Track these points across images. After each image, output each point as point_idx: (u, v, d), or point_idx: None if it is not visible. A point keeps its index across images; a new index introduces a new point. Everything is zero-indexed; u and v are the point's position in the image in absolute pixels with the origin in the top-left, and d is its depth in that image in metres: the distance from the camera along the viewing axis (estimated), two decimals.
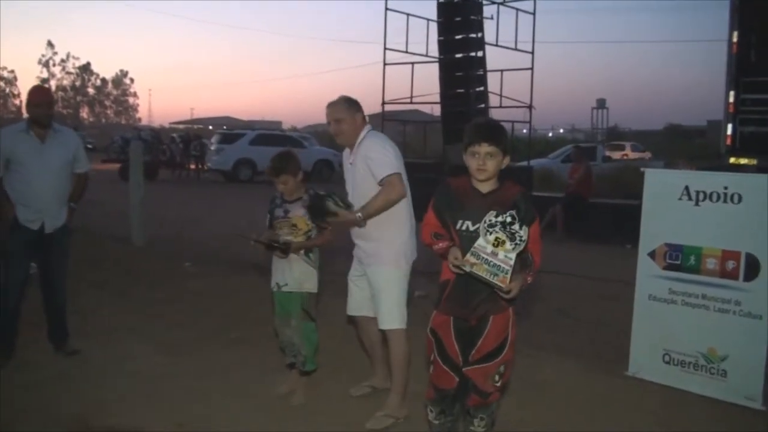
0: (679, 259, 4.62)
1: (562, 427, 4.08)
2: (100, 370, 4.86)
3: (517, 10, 15.14)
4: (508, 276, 3.00)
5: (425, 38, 15.23)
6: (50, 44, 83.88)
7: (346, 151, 4.29)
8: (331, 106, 4.17)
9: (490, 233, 3.05)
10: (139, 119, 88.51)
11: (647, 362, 4.76)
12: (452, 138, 15.19)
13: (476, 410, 3.29)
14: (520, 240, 3.02)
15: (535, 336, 5.73)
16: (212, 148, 24.96)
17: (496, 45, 15.03)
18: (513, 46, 15.20)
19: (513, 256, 3.01)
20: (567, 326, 6.29)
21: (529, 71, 15.03)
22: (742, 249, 4.38)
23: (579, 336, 5.93)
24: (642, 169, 4.95)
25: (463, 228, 3.15)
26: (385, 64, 15.57)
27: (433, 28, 15.07)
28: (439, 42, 14.94)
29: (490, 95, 15.08)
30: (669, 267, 4.66)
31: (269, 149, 24.60)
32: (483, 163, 3.13)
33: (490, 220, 3.06)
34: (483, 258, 3.03)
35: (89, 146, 44.21)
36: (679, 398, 4.50)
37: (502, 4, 15.07)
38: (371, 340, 4.45)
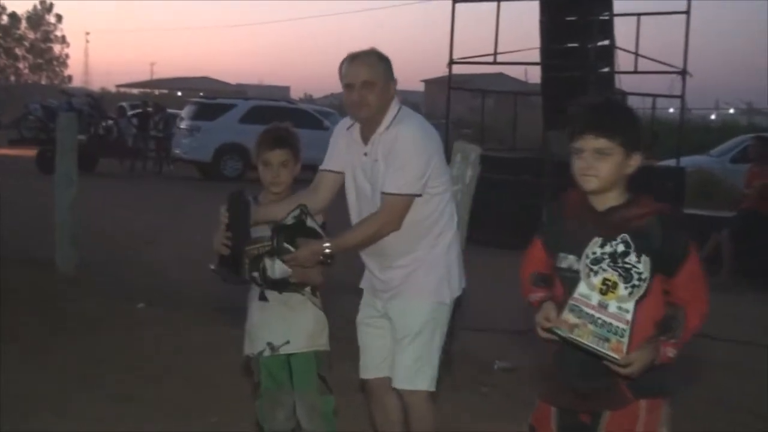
0: None
1: None
2: None
3: None
4: (625, 340, 2.92)
5: None
6: None
7: (352, 130, 4.37)
8: (359, 60, 4.22)
9: (596, 273, 3.01)
10: (70, 78, 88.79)
11: None
12: (558, 119, 15.12)
13: None
14: (639, 279, 2.96)
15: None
16: (182, 125, 25.11)
17: None
18: None
19: (631, 306, 2.94)
20: (745, 427, 6.23)
21: (684, 17, 14.92)
22: None
23: None
24: None
25: (564, 265, 3.14)
26: (455, 1, 15.62)
27: None
28: None
29: (619, 53, 15.03)
30: None
31: None
32: (588, 166, 3.09)
33: (594, 253, 3.03)
34: (587, 314, 2.98)
35: None
36: None
37: None
38: (391, 416, 4.49)
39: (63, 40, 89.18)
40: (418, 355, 4.22)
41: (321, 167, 4.47)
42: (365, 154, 4.23)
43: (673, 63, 15.37)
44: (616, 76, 15.49)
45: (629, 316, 2.93)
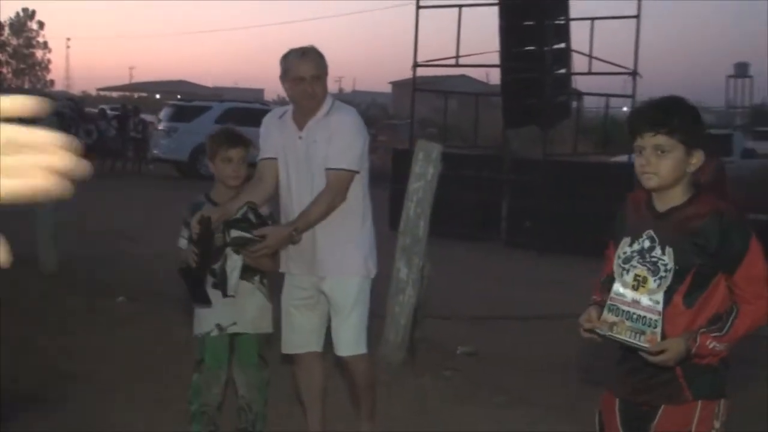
0: None
1: None
2: None
3: None
4: (658, 330, 2.96)
5: None
6: None
7: (285, 118, 4.68)
8: (308, 56, 4.53)
9: (627, 271, 3.06)
10: (52, 82, 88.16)
11: None
12: (517, 118, 15.18)
13: None
14: (665, 270, 2.99)
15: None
16: (160, 127, 25.08)
17: None
18: None
19: (661, 297, 2.99)
20: None
21: (634, 20, 15.00)
22: None
23: None
24: None
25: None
26: (418, 7, 15.62)
27: None
28: None
29: (574, 56, 15.09)
30: None
31: (245, 130, 24.49)
32: (648, 164, 3.04)
33: (624, 253, 3.08)
34: (623, 311, 3.03)
35: None
36: None
37: None
38: (316, 383, 4.90)
39: (45, 45, 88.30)
40: (357, 325, 4.63)
41: (260, 157, 4.71)
42: (300, 138, 4.53)
43: (625, 64, 15.45)
44: (572, 77, 15.56)
45: (660, 307, 2.97)
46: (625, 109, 17.99)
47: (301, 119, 4.56)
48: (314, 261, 4.56)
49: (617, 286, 3.06)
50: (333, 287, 4.60)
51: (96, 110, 30.65)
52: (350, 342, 4.63)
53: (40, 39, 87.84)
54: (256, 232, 4.23)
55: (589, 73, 15.74)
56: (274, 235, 4.30)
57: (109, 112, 29.21)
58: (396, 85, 67.45)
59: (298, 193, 4.56)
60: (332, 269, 4.57)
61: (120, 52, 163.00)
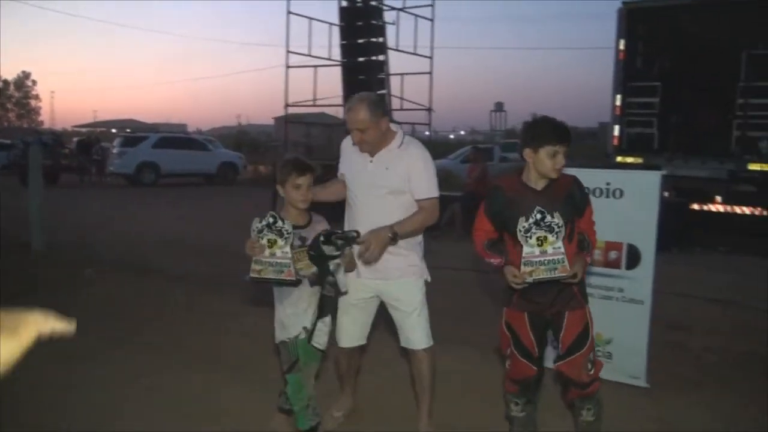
0: None
1: (460, 410, 4.21)
2: None
3: (416, 16, 15.40)
4: (566, 263, 3.08)
5: (328, 42, 15.26)
6: None
7: (355, 147, 3.68)
8: (352, 112, 3.52)
9: (530, 237, 3.09)
10: (42, 122, 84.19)
11: None
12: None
13: (581, 401, 3.39)
14: (558, 227, 3.08)
15: (440, 328, 5.82)
16: (114, 151, 24.14)
17: (397, 50, 15.22)
18: (413, 50, 15.45)
19: (560, 244, 3.08)
20: (466, 318, 6.41)
21: (428, 75, 15.31)
22: (624, 240, 4.64)
23: (478, 327, 6.00)
24: None
25: (521, 227, 3.15)
26: (287, 67, 15.49)
27: (336, 32, 15.13)
28: (342, 46, 15.01)
29: (392, 98, 15.26)
30: None
31: (173, 152, 24.19)
32: (563, 162, 3.12)
33: (524, 227, 3.09)
34: (537, 262, 3.09)
35: None
36: None
37: (401, 10, 15.28)
38: (352, 367, 4.08)
39: (37, 97, 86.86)
40: (426, 320, 3.71)
41: (339, 171, 3.85)
42: (370, 162, 3.62)
43: (424, 103, 15.75)
44: (391, 112, 15.73)
45: (562, 249, 3.08)
46: (426, 133, 18.24)
47: (371, 150, 3.63)
48: (384, 266, 3.59)
49: (527, 248, 3.07)
50: (399, 289, 3.65)
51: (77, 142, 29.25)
52: (423, 336, 3.68)
53: (34, 92, 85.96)
54: (360, 237, 3.32)
55: (402, 109, 15.96)
56: (375, 237, 3.35)
57: (79, 142, 27.93)
58: (276, 119, 66.23)
59: (362, 208, 3.65)
60: (399, 274, 3.63)
61: (87, 99, 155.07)
